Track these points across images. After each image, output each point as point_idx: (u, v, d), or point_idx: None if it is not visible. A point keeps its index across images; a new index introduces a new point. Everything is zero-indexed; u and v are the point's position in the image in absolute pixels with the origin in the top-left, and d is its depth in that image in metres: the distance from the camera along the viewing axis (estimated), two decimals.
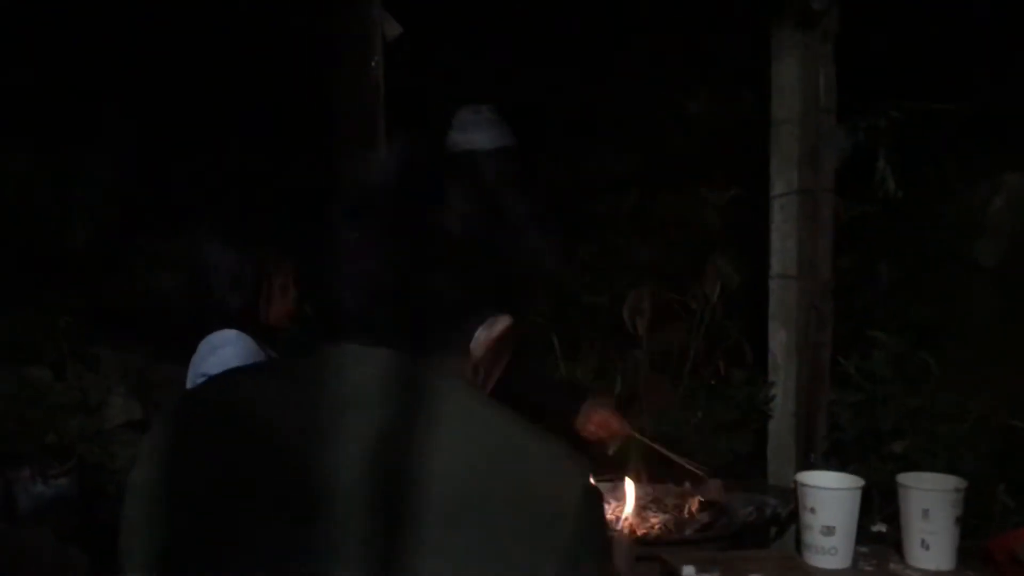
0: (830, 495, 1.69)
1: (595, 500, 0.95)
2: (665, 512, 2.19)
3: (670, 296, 3.50)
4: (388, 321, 0.96)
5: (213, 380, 1.14)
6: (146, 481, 0.97)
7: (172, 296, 3.15)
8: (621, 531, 2.03)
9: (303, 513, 0.90)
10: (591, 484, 0.94)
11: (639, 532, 2.07)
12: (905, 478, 1.72)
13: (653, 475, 2.31)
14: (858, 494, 1.70)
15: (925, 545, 1.67)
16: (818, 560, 1.68)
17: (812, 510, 1.69)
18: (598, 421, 2.30)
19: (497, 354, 1.02)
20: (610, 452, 2.28)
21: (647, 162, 3.78)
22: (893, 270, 3.32)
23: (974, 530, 1.95)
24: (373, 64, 2.54)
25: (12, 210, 3.60)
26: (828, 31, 2.91)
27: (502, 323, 1.01)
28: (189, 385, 2.00)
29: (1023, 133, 3.21)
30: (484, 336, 1.00)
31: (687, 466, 2.27)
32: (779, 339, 2.97)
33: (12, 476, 2.79)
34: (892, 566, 1.70)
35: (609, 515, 2.11)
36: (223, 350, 1.96)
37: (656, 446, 2.29)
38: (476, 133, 2.39)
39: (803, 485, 1.71)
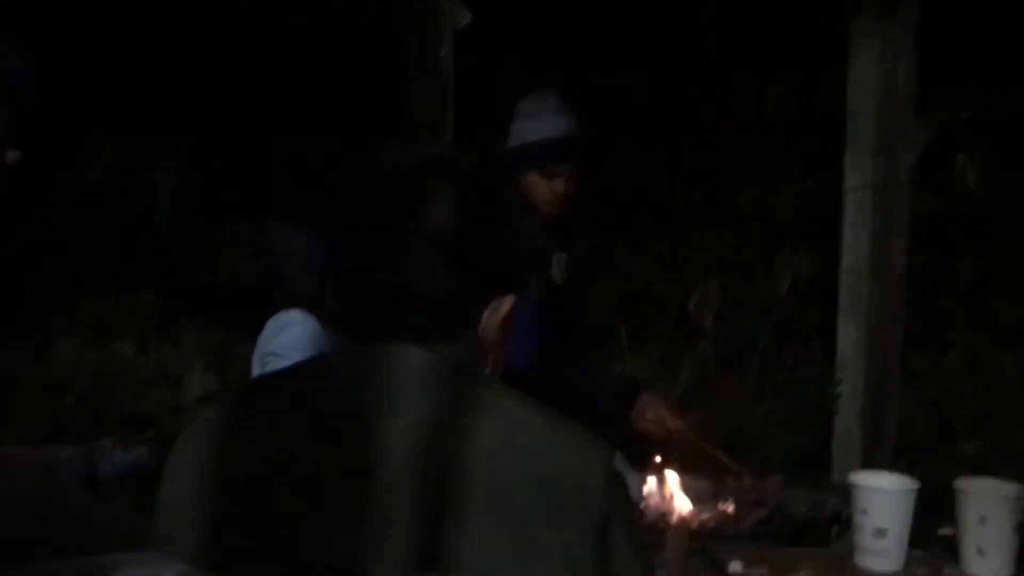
0: (882, 496, 1.66)
1: (619, 482, 0.97)
2: (723, 506, 2.19)
3: (739, 289, 3.46)
4: (409, 319, 1.00)
5: (263, 380, 1.19)
6: (190, 470, 1.01)
7: (248, 278, 3.25)
8: (676, 523, 2.02)
9: (350, 501, 0.94)
10: (614, 468, 0.97)
11: (694, 525, 2.06)
12: (963, 483, 1.68)
13: (713, 469, 2.30)
14: (912, 496, 1.67)
15: (981, 552, 1.64)
16: (869, 562, 1.66)
17: (864, 511, 1.67)
18: (652, 418, 2.31)
19: (504, 334, 1.06)
20: (664, 449, 2.28)
21: (721, 153, 3.74)
22: (972, 268, 3.22)
23: None
24: (443, 54, 2.57)
25: (99, 193, 3.76)
26: (907, 21, 2.83)
27: (507, 304, 1.05)
28: (255, 361, 2.06)
29: None
30: (491, 319, 1.04)
31: (733, 467, 2.24)
32: (848, 335, 2.92)
33: (95, 445, 2.92)
34: (946, 571, 1.67)
35: (664, 507, 2.11)
36: (289, 330, 2.02)
37: (706, 446, 2.27)
38: (541, 121, 2.40)
39: (856, 486, 1.69)
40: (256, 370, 2.07)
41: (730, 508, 2.14)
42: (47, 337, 3.49)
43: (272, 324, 2.07)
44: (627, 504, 1.02)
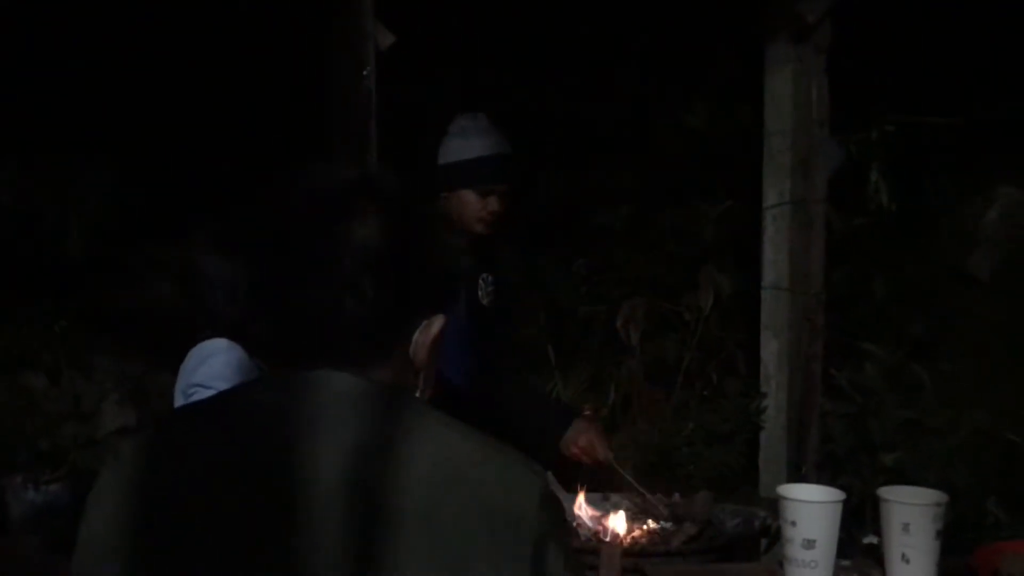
0: (810, 508, 1.69)
1: (553, 505, 0.97)
2: (653, 524, 2.20)
3: (664, 307, 3.50)
4: (337, 341, 0.98)
5: (185, 410, 1.15)
6: (110, 505, 0.97)
7: (168, 304, 3.16)
8: (608, 543, 2.02)
9: (278, 531, 0.91)
10: (549, 490, 0.96)
11: (625, 543, 2.07)
12: (886, 491, 1.72)
13: (644, 487, 2.32)
14: (839, 508, 1.70)
15: (906, 559, 1.67)
16: (799, 573, 1.68)
17: (793, 523, 1.69)
18: (583, 445, 2.32)
19: (435, 354, 1.05)
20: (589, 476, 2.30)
21: (643, 175, 3.80)
22: (887, 283, 3.32)
23: (966, 544, 1.95)
24: (365, 73, 2.55)
25: (8, 217, 3.62)
26: (821, 44, 2.92)
27: (437, 323, 1.04)
28: (178, 392, 2.00)
29: (1017, 146, 3.22)
30: (422, 339, 1.03)
31: (652, 500, 2.26)
32: (771, 350, 2.98)
33: (4, 483, 2.80)
34: None
35: (596, 527, 2.12)
36: (214, 359, 1.96)
37: (628, 476, 2.30)
38: (476, 139, 2.40)
39: (784, 498, 1.72)
40: (179, 401, 2.00)
41: (663, 526, 2.16)
42: None
43: (196, 353, 2.00)
44: (562, 526, 1.01)
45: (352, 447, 0.93)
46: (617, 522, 2.11)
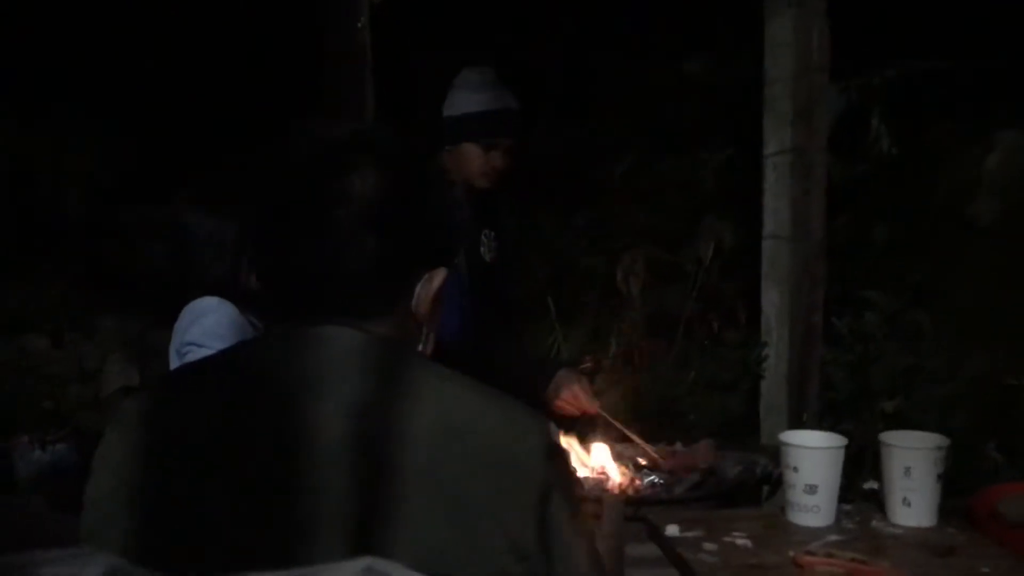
0: (812, 454, 1.70)
1: (557, 455, 0.97)
2: (654, 472, 2.21)
3: (664, 258, 3.50)
4: (339, 296, 0.98)
5: (188, 368, 1.16)
6: (118, 464, 0.98)
7: (160, 265, 3.16)
8: (611, 492, 2.04)
9: (283, 487, 0.91)
10: (552, 441, 0.97)
11: (628, 492, 2.09)
12: (888, 436, 1.73)
13: (645, 436, 2.32)
14: (840, 453, 1.71)
15: (907, 502, 1.69)
16: (801, 518, 1.70)
17: (795, 469, 1.70)
18: (568, 396, 2.29)
19: (437, 306, 1.05)
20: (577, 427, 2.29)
21: (642, 126, 3.77)
22: (887, 230, 3.31)
23: (965, 488, 1.96)
24: (359, 26, 2.52)
25: (6, 180, 3.61)
26: None
27: (439, 276, 1.04)
28: (172, 351, 2.00)
29: (1018, 91, 3.19)
30: (424, 292, 1.03)
31: (644, 448, 2.25)
32: (771, 299, 2.98)
33: (10, 444, 2.82)
34: (874, 523, 1.71)
35: (598, 476, 2.13)
36: (206, 318, 1.96)
37: (619, 425, 2.28)
38: (482, 92, 2.37)
39: (786, 444, 1.73)
40: (174, 361, 2.01)
41: (665, 474, 2.17)
42: None
43: (187, 313, 2.00)
44: (566, 476, 1.01)
45: (355, 402, 0.93)
46: (619, 471, 2.13)
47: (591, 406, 2.30)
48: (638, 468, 2.21)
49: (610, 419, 2.28)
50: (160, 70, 3.85)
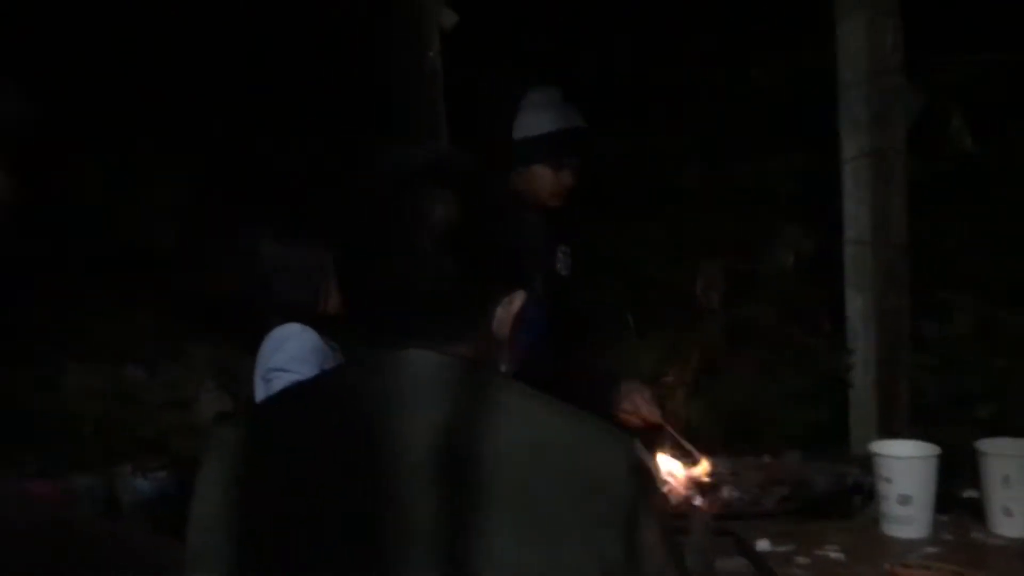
0: (905, 464, 1.66)
1: (643, 474, 0.98)
2: (743, 485, 2.18)
3: (743, 267, 3.46)
4: (423, 319, 1.00)
5: (281, 395, 1.20)
6: (217, 489, 1.01)
7: (244, 292, 3.26)
8: (699, 506, 2.03)
9: (373, 508, 0.94)
10: (637, 458, 0.97)
11: (716, 507, 2.06)
12: (984, 444, 1.68)
13: (732, 448, 2.30)
14: (934, 462, 1.67)
15: (1008, 512, 1.64)
16: (896, 530, 1.66)
17: (888, 480, 1.67)
18: (629, 408, 2.30)
19: (517, 327, 1.07)
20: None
21: (713, 134, 3.74)
22: (972, 230, 3.21)
23: None
24: (431, 55, 2.56)
25: (99, 215, 3.76)
26: None
27: (519, 299, 1.05)
28: (257, 378, 2.06)
29: None
30: (505, 314, 1.04)
31: (698, 458, 2.21)
32: (856, 306, 2.92)
33: (112, 472, 2.92)
34: (974, 534, 1.67)
35: (684, 490, 2.11)
36: (289, 344, 2.02)
37: (678, 436, 2.25)
38: (549, 113, 2.40)
39: (877, 455, 1.69)
40: (259, 387, 2.07)
41: (754, 486, 2.14)
42: (57, 365, 3.49)
43: (271, 340, 2.06)
44: (652, 493, 1.02)
45: (441, 423, 0.95)
46: (705, 484, 2.11)
47: (654, 416, 2.30)
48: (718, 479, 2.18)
49: (671, 430, 2.27)
50: (240, 103, 3.97)
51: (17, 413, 3.09)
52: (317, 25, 3.78)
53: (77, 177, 3.85)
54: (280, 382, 1.95)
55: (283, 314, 2.07)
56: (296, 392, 1.13)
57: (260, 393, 2.07)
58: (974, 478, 1.79)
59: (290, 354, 2.00)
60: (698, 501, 2.04)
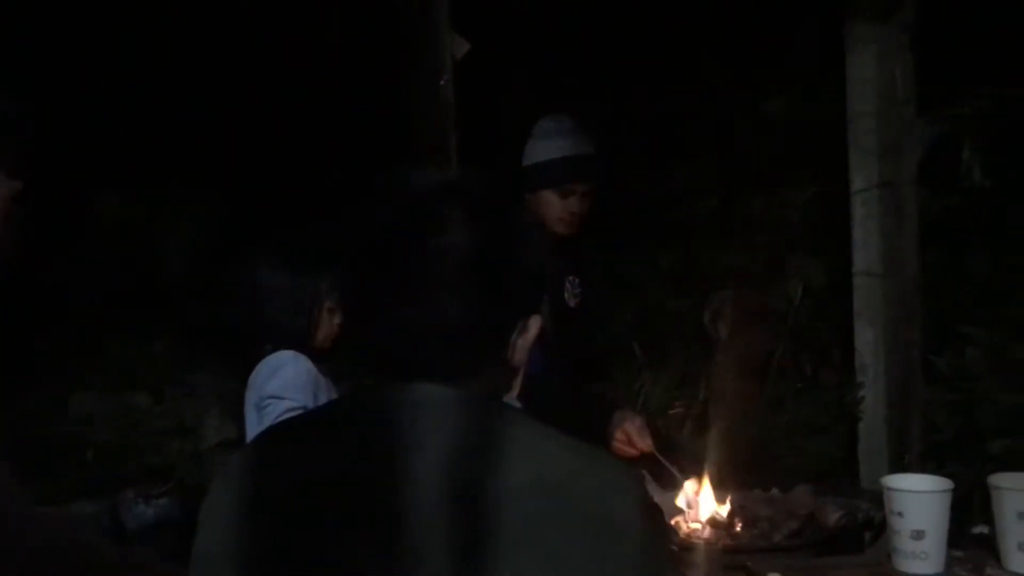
0: (917, 498, 1.64)
1: (653, 510, 0.96)
2: (752, 519, 2.16)
3: (753, 299, 3.44)
4: (434, 351, 0.99)
5: (288, 424, 1.19)
6: (224, 516, 1.00)
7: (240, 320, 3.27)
8: (707, 540, 2.00)
9: (382, 542, 0.93)
10: (647, 495, 0.96)
11: (725, 541, 2.04)
12: (997, 479, 1.66)
13: (740, 482, 2.27)
14: (947, 497, 1.64)
15: (1022, 548, 1.61)
16: (908, 566, 1.64)
17: (900, 514, 1.64)
18: (621, 438, 2.29)
19: (528, 356, 1.05)
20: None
21: (724, 166, 3.74)
22: (984, 262, 3.20)
23: None
24: (443, 84, 2.57)
25: (109, 242, 3.78)
26: (905, 20, 2.83)
27: (534, 325, 1.04)
28: (249, 405, 2.05)
29: None
30: (521, 341, 1.03)
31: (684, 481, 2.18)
32: (866, 338, 2.90)
33: (118, 498, 2.92)
34: (989, 571, 1.64)
35: (692, 523, 2.09)
36: (284, 371, 2.01)
37: (672, 468, 2.23)
38: (557, 140, 2.41)
39: (889, 489, 1.67)
40: (251, 414, 2.05)
41: (763, 521, 2.11)
42: (63, 391, 3.49)
43: (264, 367, 2.05)
44: (662, 530, 1.01)
45: (452, 459, 0.94)
46: (715, 519, 2.08)
47: (646, 446, 2.28)
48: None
49: (663, 460, 2.25)
50: (250, 134, 4.00)
51: (23, 439, 3.08)
52: (329, 53, 3.81)
53: (97, 209, 3.88)
54: (275, 410, 1.94)
55: (275, 340, 2.06)
56: (304, 420, 1.12)
57: (252, 421, 2.05)
58: (984, 513, 1.76)
59: (285, 381, 1.99)
60: (707, 534, 2.02)
